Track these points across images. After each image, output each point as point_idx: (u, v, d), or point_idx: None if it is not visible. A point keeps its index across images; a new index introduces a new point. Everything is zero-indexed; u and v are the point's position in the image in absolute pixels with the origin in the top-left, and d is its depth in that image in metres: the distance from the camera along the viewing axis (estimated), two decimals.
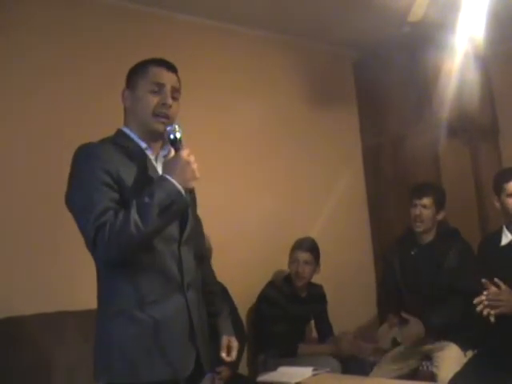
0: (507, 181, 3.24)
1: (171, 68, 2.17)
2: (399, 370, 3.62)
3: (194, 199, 2.31)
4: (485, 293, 2.95)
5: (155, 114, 2.10)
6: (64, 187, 2.03)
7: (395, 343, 3.74)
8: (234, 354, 2.27)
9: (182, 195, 1.95)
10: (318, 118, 4.81)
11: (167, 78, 2.14)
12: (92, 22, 3.70)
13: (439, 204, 3.76)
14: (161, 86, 2.11)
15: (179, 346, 2.03)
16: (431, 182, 4.15)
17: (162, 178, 1.97)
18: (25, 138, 3.41)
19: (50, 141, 3.44)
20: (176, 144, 2.05)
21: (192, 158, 2.02)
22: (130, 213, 1.88)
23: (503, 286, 2.97)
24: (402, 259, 3.84)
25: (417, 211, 3.72)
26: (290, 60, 4.67)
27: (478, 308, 2.93)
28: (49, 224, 3.34)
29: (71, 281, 3.30)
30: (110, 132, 2.15)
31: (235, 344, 2.29)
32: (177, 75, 2.19)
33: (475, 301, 2.96)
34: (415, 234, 3.80)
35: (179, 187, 1.95)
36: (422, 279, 3.68)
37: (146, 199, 1.90)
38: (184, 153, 2.02)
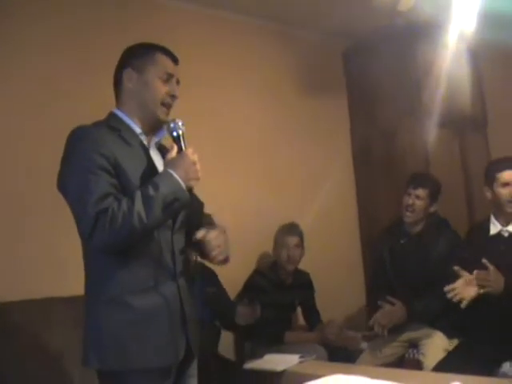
0: (500, 170, 3.26)
1: (176, 60, 2.20)
2: (385, 357, 3.65)
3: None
4: (458, 281, 3.00)
5: (163, 103, 2.12)
6: (54, 172, 2.02)
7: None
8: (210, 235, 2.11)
9: (185, 193, 1.97)
10: (307, 108, 4.81)
11: (175, 69, 2.17)
12: (84, 10, 3.68)
13: (433, 197, 3.77)
14: (170, 76, 2.14)
15: (171, 333, 2.04)
16: (429, 173, 4.14)
17: (167, 174, 1.98)
18: (16, 122, 3.39)
19: (41, 124, 3.42)
20: (179, 141, 2.07)
21: (196, 158, 2.04)
22: (134, 204, 1.88)
23: (491, 267, 2.99)
24: (391, 248, 3.86)
25: (410, 200, 3.73)
26: (279, 49, 4.66)
27: (449, 295, 2.98)
28: (36, 210, 3.33)
29: (59, 267, 3.29)
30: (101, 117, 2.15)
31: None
32: (178, 68, 2.21)
33: (446, 288, 3.00)
34: (404, 224, 3.81)
35: (183, 185, 1.97)
36: (411, 268, 3.70)
37: (152, 192, 1.90)
38: (189, 152, 2.04)
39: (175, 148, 2.07)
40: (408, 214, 3.75)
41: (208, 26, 4.28)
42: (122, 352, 1.96)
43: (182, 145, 2.07)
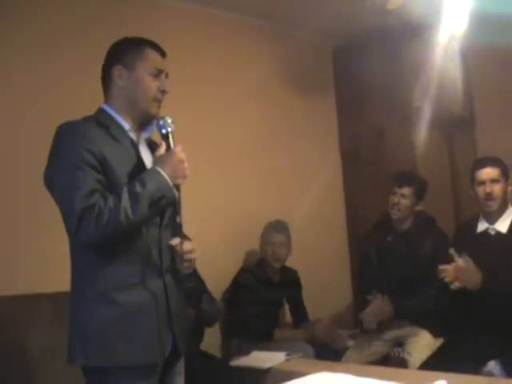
0: (477, 169, 3.33)
1: (165, 54, 2.18)
2: (371, 355, 3.66)
3: None
4: (453, 263, 3.05)
5: (155, 99, 2.12)
6: (41, 168, 2.01)
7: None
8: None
9: (172, 191, 1.98)
10: (297, 106, 4.82)
11: (165, 64, 2.16)
12: (82, 6, 3.66)
13: (419, 195, 3.78)
14: (160, 71, 2.13)
15: (157, 330, 2.03)
16: (414, 172, 4.16)
17: (154, 171, 1.98)
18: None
19: (28, 120, 3.40)
20: (168, 139, 2.07)
21: (184, 156, 2.04)
22: (121, 200, 1.88)
23: (470, 263, 3.05)
24: (378, 245, 3.87)
25: (395, 199, 3.75)
26: (270, 47, 4.65)
27: (442, 275, 3.05)
28: (23, 205, 3.30)
29: (45, 262, 3.27)
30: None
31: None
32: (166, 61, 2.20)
33: (440, 267, 3.07)
34: (392, 221, 3.82)
35: (170, 182, 1.97)
36: (398, 266, 3.71)
37: (138, 189, 1.91)
38: (177, 149, 2.04)
39: (164, 145, 2.07)
40: (394, 212, 3.77)
41: (200, 23, 4.27)
42: (108, 349, 1.96)
43: (171, 142, 2.07)
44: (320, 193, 4.78)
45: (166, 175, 1.97)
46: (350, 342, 3.89)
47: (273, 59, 4.65)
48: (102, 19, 3.70)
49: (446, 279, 3.06)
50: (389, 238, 3.83)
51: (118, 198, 1.89)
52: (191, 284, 3.50)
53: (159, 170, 1.98)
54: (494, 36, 4.71)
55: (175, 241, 2.09)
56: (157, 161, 2.03)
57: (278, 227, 4.04)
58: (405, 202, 3.73)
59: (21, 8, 3.44)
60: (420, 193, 3.80)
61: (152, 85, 2.10)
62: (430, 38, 4.20)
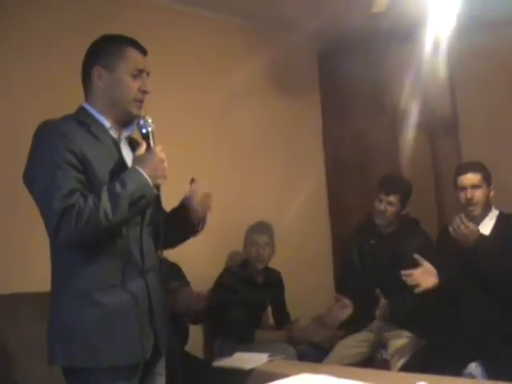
0: (459, 175, 3.35)
1: (145, 52, 2.16)
2: (354, 356, 3.66)
3: None
4: (419, 268, 3.14)
5: (135, 99, 2.10)
6: (21, 167, 1.99)
7: (350, 328, 3.78)
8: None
9: (152, 190, 1.97)
10: (281, 107, 4.81)
11: (145, 63, 2.14)
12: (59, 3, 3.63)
13: (404, 200, 3.79)
14: (141, 71, 2.11)
15: (139, 330, 2.02)
16: (400, 176, 4.09)
17: (134, 171, 1.97)
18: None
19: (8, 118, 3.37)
20: (149, 139, 2.06)
21: (164, 156, 2.03)
22: (101, 200, 1.87)
23: (427, 265, 3.15)
24: (360, 248, 3.87)
25: (382, 207, 3.73)
26: (254, 48, 4.65)
27: (405, 278, 3.13)
28: (2, 204, 3.27)
29: (25, 262, 3.24)
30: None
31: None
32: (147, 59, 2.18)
33: (403, 272, 3.14)
34: (375, 223, 3.83)
35: (151, 182, 1.96)
36: (381, 269, 3.72)
37: (118, 189, 1.90)
38: (158, 149, 2.04)
39: (144, 145, 2.06)
40: (380, 218, 3.77)
41: (185, 23, 4.26)
42: (89, 349, 1.95)
43: (151, 142, 2.07)
44: (304, 194, 4.79)
45: (146, 175, 1.96)
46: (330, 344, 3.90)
47: (258, 60, 4.64)
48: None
49: (409, 283, 3.11)
50: (372, 241, 3.84)
51: (98, 197, 1.88)
52: (176, 284, 3.51)
53: (139, 169, 1.96)
54: (479, 39, 4.75)
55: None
56: (137, 160, 2.02)
57: (261, 228, 4.04)
58: (391, 209, 3.73)
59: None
60: (406, 199, 3.81)
61: (133, 85, 2.09)
62: (416, 41, 4.22)
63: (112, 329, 1.97)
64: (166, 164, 2.03)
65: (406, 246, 3.63)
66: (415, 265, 3.32)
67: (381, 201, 3.74)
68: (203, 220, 2.29)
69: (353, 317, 3.64)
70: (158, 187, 2.03)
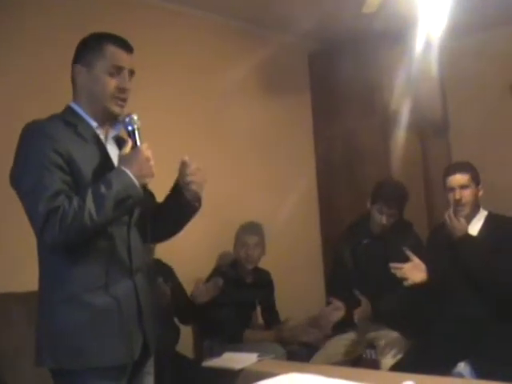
0: (447, 176, 3.34)
1: (129, 49, 2.13)
2: (342, 355, 3.66)
3: None
4: (409, 263, 3.20)
5: (113, 97, 2.07)
6: (8, 167, 1.98)
7: (341, 328, 3.78)
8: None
9: (138, 190, 1.95)
10: (271, 108, 4.82)
11: (126, 60, 2.10)
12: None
13: (403, 208, 3.78)
14: (120, 68, 2.08)
15: (127, 331, 2.02)
16: (398, 185, 3.90)
17: (120, 171, 1.95)
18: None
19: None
20: (134, 136, 2.04)
21: (150, 154, 2.01)
22: (85, 202, 1.86)
23: (416, 260, 3.18)
24: (352, 248, 3.86)
25: (383, 220, 3.69)
26: (245, 48, 4.65)
27: (394, 271, 3.19)
28: None
29: (14, 262, 3.23)
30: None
31: None
32: (132, 56, 2.14)
33: (392, 265, 3.20)
34: (368, 224, 3.82)
35: (136, 182, 1.94)
36: (372, 270, 3.71)
37: (103, 190, 1.88)
38: (143, 147, 2.01)
39: (130, 143, 2.05)
40: (378, 228, 3.75)
41: (176, 23, 4.25)
42: (77, 351, 1.94)
43: (137, 140, 2.05)
44: (294, 195, 4.79)
45: (131, 175, 1.94)
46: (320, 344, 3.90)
47: (249, 61, 4.65)
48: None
49: (398, 275, 3.17)
50: (364, 241, 3.83)
51: (83, 199, 1.87)
52: (169, 284, 3.51)
53: (125, 169, 1.95)
54: (470, 41, 4.79)
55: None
56: (122, 160, 2.00)
57: (251, 229, 4.03)
58: (391, 220, 3.70)
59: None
60: (404, 206, 3.79)
61: (110, 83, 2.06)
62: (407, 42, 4.23)
63: (100, 330, 1.96)
64: (152, 162, 2.01)
65: (398, 249, 3.61)
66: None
67: (381, 213, 3.70)
68: (199, 196, 2.28)
69: (343, 317, 3.64)
70: (144, 186, 2.02)
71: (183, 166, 2.20)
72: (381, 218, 3.70)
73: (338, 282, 3.98)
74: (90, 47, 2.10)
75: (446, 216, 3.19)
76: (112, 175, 1.94)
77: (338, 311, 3.60)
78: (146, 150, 2.02)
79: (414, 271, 3.17)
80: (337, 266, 4.02)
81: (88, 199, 1.87)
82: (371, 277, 3.71)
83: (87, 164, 1.99)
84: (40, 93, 3.41)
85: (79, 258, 1.97)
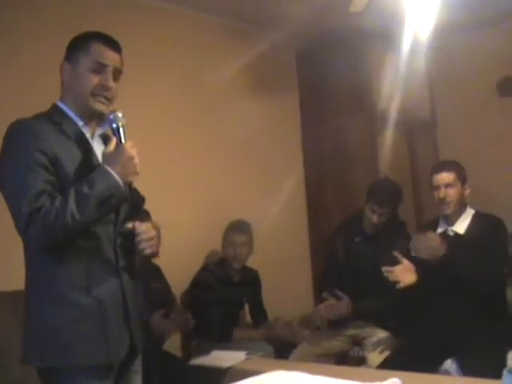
0: (433, 174, 3.37)
1: (116, 47, 2.12)
2: (326, 349, 3.66)
3: None
4: (398, 265, 3.20)
5: (94, 94, 2.06)
6: None
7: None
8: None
9: (121, 189, 1.94)
10: (259, 105, 4.80)
11: (110, 58, 2.08)
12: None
13: (396, 208, 3.78)
14: (103, 65, 2.06)
15: (114, 330, 2.02)
16: (392, 184, 3.88)
17: (103, 170, 1.94)
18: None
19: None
20: (119, 134, 2.03)
21: (134, 151, 2.00)
22: (68, 202, 1.86)
23: (406, 262, 3.20)
24: (345, 245, 3.85)
25: (374, 219, 3.69)
26: (233, 46, 4.64)
27: (386, 275, 3.19)
28: None
29: (1, 261, 3.22)
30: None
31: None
32: (121, 55, 2.13)
33: (384, 269, 3.20)
34: (362, 222, 3.82)
35: (119, 181, 1.93)
36: (363, 267, 3.71)
37: (85, 189, 1.87)
38: (127, 146, 2.00)
39: (114, 141, 2.03)
40: (370, 227, 3.75)
41: (163, 21, 4.24)
42: (63, 350, 1.94)
43: (122, 137, 2.03)
44: (282, 194, 4.79)
45: (115, 174, 1.93)
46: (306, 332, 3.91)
47: (237, 59, 4.63)
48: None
49: (390, 278, 3.17)
50: (356, 239, 3.82)
51: (66, 199, 1.87)
52: (157, 285, 3.50)
53: (108, 168, 1.94)
54: (458, 40, 4.81)
55: (130, 224, 2.04)
56: (106, 158, 1.99)
57: (239, 227, 4.03)
58: (383, 219, 3.69)
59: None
60: (398, 206, 3.79)
61: (92, 80, 2.05)
62: (395, 41, 4.24)
63: (86, 329, 1.96)
64: (136, 160, 1.99)
65: (390, 248, 3.60)
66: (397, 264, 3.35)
67: (373, 212, 3.69)
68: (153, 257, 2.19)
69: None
70: (129, 184, 2.01)
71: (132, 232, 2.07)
72: (372, 217, 3.70)
73: (329, 278, 3.98)
74: (77, 45, 2.09)
75: (416, 246, 3.16)
76: (95, 174, 1.93)
77: (333, 307, 3.62)
78: (130, 148, 2.00)
79: (404, 273, 3.18)
80: (330, 261, 4.01)
81: (70, 199, 1.86)
82: (361, 275, 3.71)
83: (72, 163, 1.98)
84: (30, 91, 3.40)
85: (65, 257, 1.96)
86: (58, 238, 1.90)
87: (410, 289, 3.16)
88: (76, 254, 1.97)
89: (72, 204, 1.85)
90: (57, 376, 1.96)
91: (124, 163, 1.97)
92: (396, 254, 3.23)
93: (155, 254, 2.13)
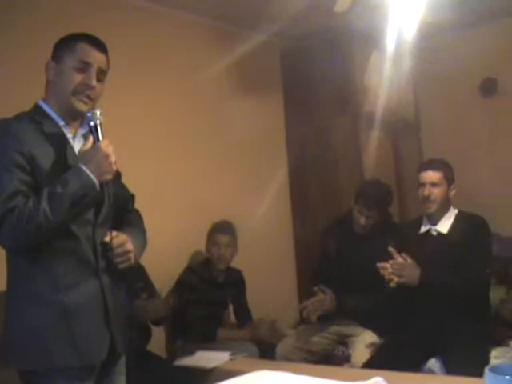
0: (420, 171, 3.36)
1: (101, 48, 2.12)
2: (310, 344, 3.67)
3: (116, 175, 2.27)
4: (390, 261, 3.14)
5: (76, 93, 2.05)
6: None
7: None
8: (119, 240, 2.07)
9: (95, 188, 1.93)
10: (244, 105, 4.78)
11: (95, 57, 2.09)
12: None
13: (385, 210, 3.78)
14: (87, 64, 2.06)
15: (93, 331, 2.01)
16: (380, 186, 3.88)
17: (77, 169, 1.93)
18: None
19: None
20: (96, 132, 2.01)
21: (111, 150, 1.99)
22: (41, 201, 1.85)
23: (409, 260, 3.14)
24: (337, 242, 3.86)
25: (362, 220, 3.69)
26: (217, 46, 4.61)
27: (382, 271, 3.14)
28: None
29: None
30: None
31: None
32: (106, 56, 2.14)
33: (379, 265, 3.15)
34: (353, 222, 3.81)
35: (94, 180, 1.93)
36: (353, 266, 3.70)
37: (59, 189, 1.87)
38: (103, 144, 1.99)
39: (91, 139, 2.03)
40: (359, 229, 3.75)
41: (147, 21, 4.21)
42: (43, 351, 1.93)
43: (99, 135, 2.01)
44: (267, 194, 4.79)
45: (89, 172, 1.92)
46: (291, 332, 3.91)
47: (221, 59, 4.60)
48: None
49: (386, 276, 3.14)
50: (347, 239, 3.82)
51: (39, 199, 1.87)
52: (141, 285, 3.48)
53: (82, 167, 1.93)
54: (442, 40, 4.83)
55: (107, 237, 2.03)
56: (81, 157, 1.99)
57: (223, 228, 4.02)
58: (371, 221, 3.70)
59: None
60: (387, 208, 3.79)
61: (75, 78, 2.05)
62: (379, 41, 4.25)
63: (66, 330, 1.95)
64: (112, 158, 1.98)
65: (380, 248, 3.58)
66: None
67: (361, 214, 3.70)
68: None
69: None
70: (106, 183, 2.01)
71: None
72: (360, 219, 3.71)
73: (320, 278, 3.97)
74: (64, 44, 2.10)
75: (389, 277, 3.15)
76: (69, 173, 1.93)
77: (319, 302, 3.62)
78: (105, 146, 1.99)
79: (407, 269, 3.13)
80: (321, 261, 4.01)
81: (43, 199, 1.86)
82: (351, 275, 3.70)
83: (49, 163, 1.97)
84: (16, 92, 3.36)
85: (44, 258, 1.96)
86: (31, 238, 1.89)
87: (403, 288, 3.14)
88: (54, 254, 1.97)
89: (45, 204, 1.85)
90: (37, 377, 1.96)
91: (99, 162, 1.96)
92: (391, 249, 3.19)
93: (131, 266, 2.12)
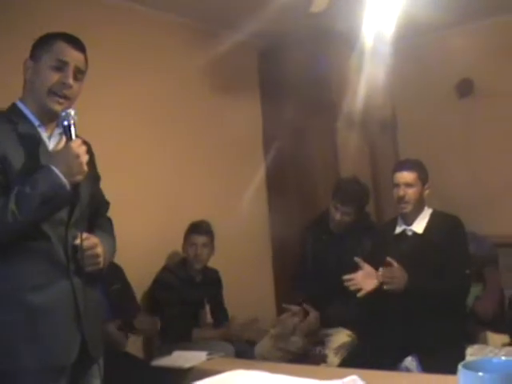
0: (394, 172, 3.38)
1: (79, 46, 2.11)
2: (287, 344, 3.67)
3: (95, 177, 2.26)
4: (381, 270, 3.11)
5: (52, 92, 2.04)
6: None
7: None
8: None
9: (65, 188, 1.92)
10: (220, 105, 4.78)
11: (72, 56, 2.07)
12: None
13: (361, 209, 3.78)
14: (64, 63, 2.05)
15: (62, 333, 1.99)
16: (356, 183, 3.90)
17: (47, 169, 1.92)
18: None
19: None
20: (69, 132, 2.00)
21: (82, 150, 1.97)
22: (9, 201, 1.84)
23: (395, 264, 3.12)
24: (313, 242, 3.86)
25: (337, 216, 3.70)
26: (193, 45, 4.60)
27: (347, 284, 3.11)
28: None
29: None
30: None
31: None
32: (84, 55, 2.13)
33: (344, 277, 3.12)
34: (329, 221, 3.82)
35: (64, 181, 1.91)
36: (329, 267, 3.72)
37: (28, 189, 1.86)
38: (75, 144, 1.97)
39: (63, 139, 2.02)
40: (335, 227, 3.75)
41: (123, 20, 4.19)
42: (10, 351, 1.91)
43: (72, 135, 1.99)
44: (244, 193, 4.79)
45: (59, 173, 1.90)
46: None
47: (197, 59, 4.58)
48: (37, 17, 3.58)
49: (352, 288, 3.11)
50: (324, 238, 3.82)
51: (8, 199, 1.86)
52: (118, 286, 3.46)
53: (52, 167, 1.91)
54: (418, 40, 4.87)
55: (78, 240, 2.02)
56: (52, 157, 1.97)
57: (200, 228, 4.01)
58: (348, 218, 3.70)
59: None
60: (363, 206, 3.79)
61: (52, 77, 2.04)
62: (356, 41, 4.27)
63: (35, 330, 1.93)
64: (82, 159, 1.96)
65: (356, 248, 3.61)
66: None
67: (336, 209, 3.70)
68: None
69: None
70: (77, 183, 1.98)
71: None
72: (335, 214, 3.71)
73: (300, 279, 3.97)
74: (42, 43, 2.09)
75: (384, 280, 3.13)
76: (38, 173, 1.91)
77: (295, 316, 3.62)
78: (77, 146, 1.97)
79: (366, 280, 3.12)
80: (300, 260, 4.01)
81: (12, 199, 1.85)
82: (327, 274, 3.70)
83: (21, 163, 1.96)
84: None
85: (14, 258, 1.94)
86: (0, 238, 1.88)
87: (371, 295, 3.12)
88: (25, 254, 1.95)
89: (12, 204, 1.85)
90: (5, 378, 1.93)
91: (69, 162, 1.94)
92: (357, 259, 3.19)
93: (100, 270, 2.11)
